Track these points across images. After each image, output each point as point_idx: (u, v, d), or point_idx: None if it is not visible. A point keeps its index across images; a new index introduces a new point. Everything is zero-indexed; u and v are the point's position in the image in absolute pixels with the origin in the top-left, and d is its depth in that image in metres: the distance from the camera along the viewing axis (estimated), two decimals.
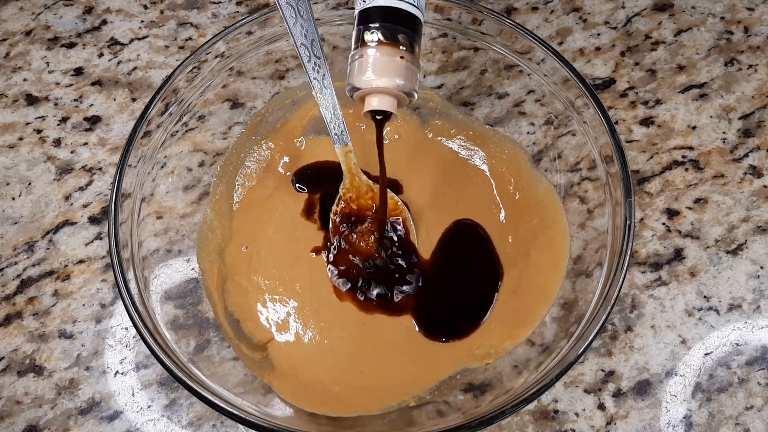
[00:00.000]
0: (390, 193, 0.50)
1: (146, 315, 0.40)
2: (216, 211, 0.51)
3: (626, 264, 0.40)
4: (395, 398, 0.44)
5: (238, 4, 0.64)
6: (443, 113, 0.54)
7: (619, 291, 0.39)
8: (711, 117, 0.57)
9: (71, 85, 0.60)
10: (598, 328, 0.38)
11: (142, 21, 0.63)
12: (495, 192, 0.52)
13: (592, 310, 0.40)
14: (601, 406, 0.47)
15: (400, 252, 0.50)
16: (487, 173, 0.52)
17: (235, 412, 0.38)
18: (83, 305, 0.51)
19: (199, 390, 0.38)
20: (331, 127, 0.48)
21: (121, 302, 0.51)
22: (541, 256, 0.48)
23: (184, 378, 0.38)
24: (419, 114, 0.55)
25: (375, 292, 0.48)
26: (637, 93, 0.58)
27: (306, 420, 0.43)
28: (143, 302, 0.41)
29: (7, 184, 0.56)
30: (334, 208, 0.50)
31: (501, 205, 0.51)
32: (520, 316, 0.46)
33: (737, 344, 0.48)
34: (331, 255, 0.50)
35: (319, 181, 0.53)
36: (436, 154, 0.53)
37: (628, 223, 0.40)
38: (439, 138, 0.54)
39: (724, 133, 0.56)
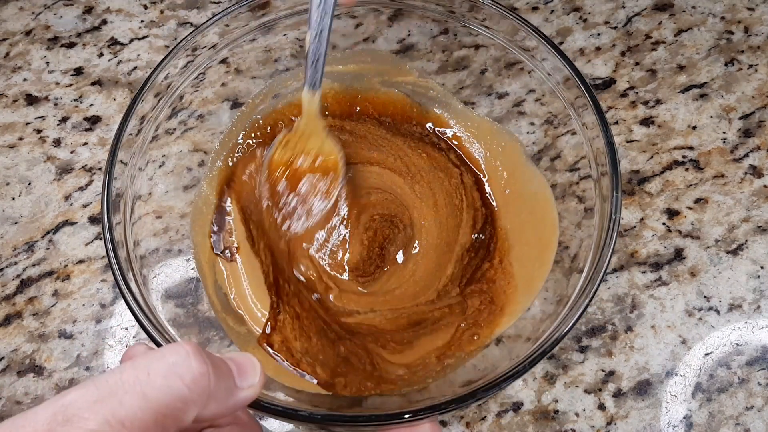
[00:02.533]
0: (335, 150, 0.48)
1: (148, 311, 0.40)
2: (213, 187, 0.51)
3: (608, 258, 0.39)
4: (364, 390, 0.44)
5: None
6: (443, 102, 0.54)
7: (598, 287, 0.38)
8: (711, 117, 0.57)
9: (71, 85, 0.60)
10: (573, 321, 0.37)
11: (142, 21, 0.63)
12: (486, 186, 0.52)
13: (572, 302, 0.39)
14: (602, 406, 0.47)
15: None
16: (482, 166, 0.52)
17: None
18: (83, 305, 0.51)
19: None
20: (309, 62, 0.41)
21: (121, 302, 0.51)
22: (528, 249, 0.48)
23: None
24: (419, 102, 0.55)
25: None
26: (637, 93, 0.58)
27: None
28: (144, 299, 0.41)
29: (7, 184, 0.56)
30: (272, 151, 0.48)
31: (491, 198, 0.51)
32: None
33: (737, 344, 0.48)
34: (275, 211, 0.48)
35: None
36: (432, 143, 0.54)
37: (613, 218, 0.40)
38: (436, 127, 0.54)
39: (724, 133, 0.56)
